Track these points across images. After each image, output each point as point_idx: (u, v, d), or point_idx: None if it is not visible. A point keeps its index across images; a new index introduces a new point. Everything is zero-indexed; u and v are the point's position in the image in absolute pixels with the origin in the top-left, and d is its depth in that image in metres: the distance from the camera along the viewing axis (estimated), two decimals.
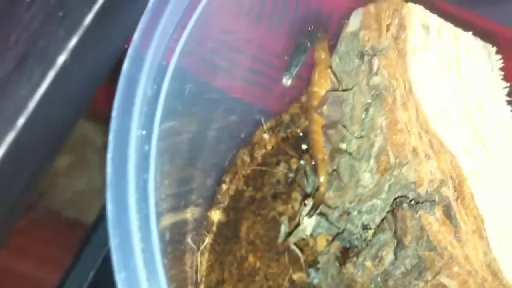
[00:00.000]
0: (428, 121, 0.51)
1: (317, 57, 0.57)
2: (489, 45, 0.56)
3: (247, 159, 0.76)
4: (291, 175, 0.74)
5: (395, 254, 0.53)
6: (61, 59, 0.36)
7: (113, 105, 0.40)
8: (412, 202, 0.50)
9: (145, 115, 0.42)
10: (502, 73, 0.55)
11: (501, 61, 0.56)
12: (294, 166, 0.74)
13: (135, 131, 0.40)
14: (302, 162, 0.66)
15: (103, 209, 0.86)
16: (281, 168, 0.75)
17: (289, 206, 0.72)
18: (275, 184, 0.74)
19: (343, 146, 0.58)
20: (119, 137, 0.39)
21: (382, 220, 0.55)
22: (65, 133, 0.39)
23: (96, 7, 0.38)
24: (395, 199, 0.52)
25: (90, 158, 1.05)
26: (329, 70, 0.58)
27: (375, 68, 0.53)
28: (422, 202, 0.49)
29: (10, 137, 0.34)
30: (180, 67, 0.48)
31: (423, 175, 0.49)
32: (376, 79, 0.53)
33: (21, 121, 0.34)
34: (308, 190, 0.68)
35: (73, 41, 0.37)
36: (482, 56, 0.56)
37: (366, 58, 0.54)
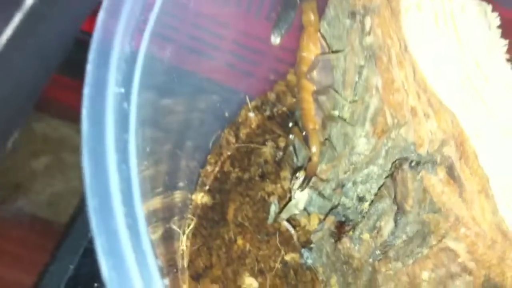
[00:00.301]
0: (426, 80, 0.48)
1: (305, 20, 0.54)
2: (485, 3, 0.54)
3: (232, 139, 0.73)
4: (279, 154, 0.71)
5: (395, 222, 0.50)
6: (29, 0, 0.32)
7: (88, 59, 0.36)
8: (413, 163, 0.47)
9: (123, 72, 0.38)
10: (500, 30, 0.53)
11: (499, 18, 0.53)
12: (282, 145, 0.71)
13: (112, 87, 0.36)
14: (291, 136, 0.63)
15: (81, 202, 0.82)
16: (268, 147, 0.71)
17: (278, 185, 0.69)
18: (262, 164, 0.71)
19: (335, 113, 0.55)
20: (96, 92, 0.36)
21: (379, 188, 0.52)
22: (36, 87, 0.36)
23: None
24: (393, 162, 0.49)
25: (66, 159, 1.02)
26: (318, 34, 0.54)
27: (367, 27, 0.50)
28: (424, 163, 0.47)
29: None
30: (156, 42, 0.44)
31: (423, 135, 0.47)
32: (369, 39, 0.50)
33: None
34: (299, 164, 0.65)
35: None
36: (478, 14, 0.53)
37: (358, 17, 0.51)
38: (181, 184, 0.66)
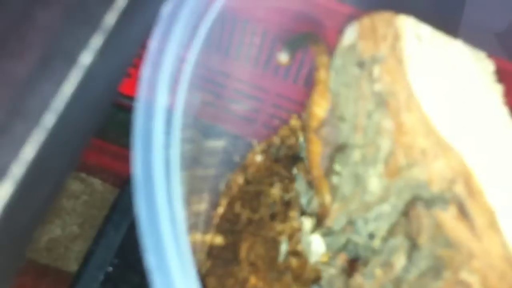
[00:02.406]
0: (432, 122, 0.52)
1: (318, 76, 0.57)
2: (479, 51, 0.58)
3: (241, 181, 0.76)
4: (286, 194, 0.74)
5: (408, 257, 0.53)
6: (86, 60, 0.36)
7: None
8: (426, 201, 0.51)
9: (165, 119, 0.42)
10: (496, 76, 0.57)
11: (493, 65, 0.58)
12: (289, 186, 0.74)
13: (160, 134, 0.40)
14: (298, 175, 0.66)
15: (92, 245, 0.84)
16: (276, 189, 0.74)
17: (288, 225, 0.72)
18: (271, 205, 0.73)
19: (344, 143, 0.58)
20: (144, 137, 0.39)
21: (392, 225, 0.55)
22: (90, 134, 0.39)
23: (117, 5, 0.38)
24: (406, 201, 0.53)
25: (63, 204, 1.03)
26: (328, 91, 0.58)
27: (376, 75, 0.54)
28: (436, 201, 0.50)
29: (41, 137, 0.33)
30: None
31: (435, 174, 0.50)
32: (378, 86, 0.54)
33: (50, 119, 0.33)
34: (307, 204, 0.68)
35: (97, 40, 0.36)
36: (474, 61, 0.58)
37: (366, 66, 0.55)
38: (197, 226, 0.69)
